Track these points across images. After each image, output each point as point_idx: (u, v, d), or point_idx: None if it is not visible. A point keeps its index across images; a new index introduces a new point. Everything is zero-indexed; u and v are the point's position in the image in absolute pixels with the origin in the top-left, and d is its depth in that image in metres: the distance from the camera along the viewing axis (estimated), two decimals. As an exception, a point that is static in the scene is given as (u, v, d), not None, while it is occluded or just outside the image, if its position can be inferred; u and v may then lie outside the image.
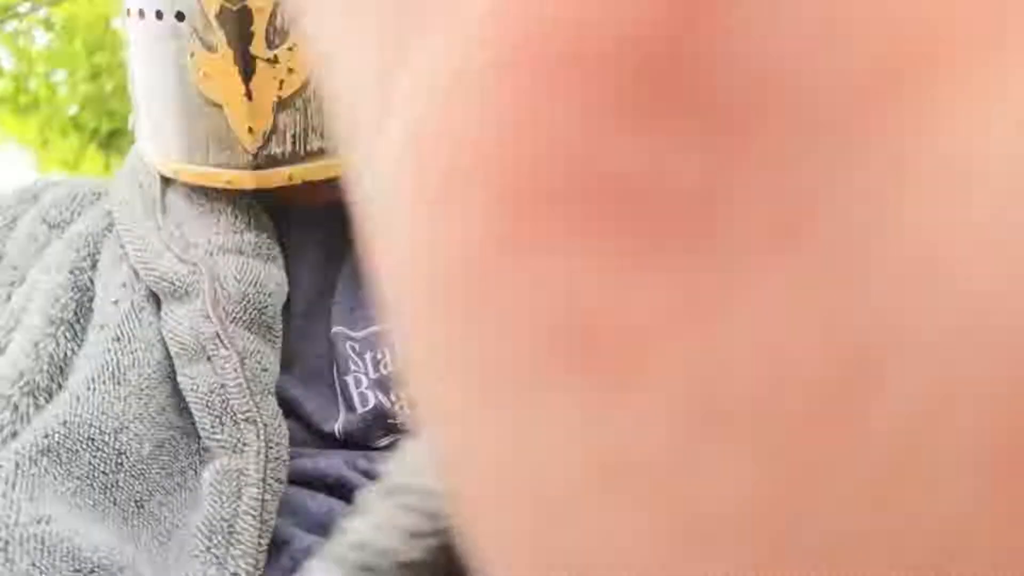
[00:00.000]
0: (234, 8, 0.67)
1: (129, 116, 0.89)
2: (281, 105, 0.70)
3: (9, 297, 0.73)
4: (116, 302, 0.69)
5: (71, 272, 0.71)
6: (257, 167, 0.71)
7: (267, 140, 0.70)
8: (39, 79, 5.14)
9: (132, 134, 0.88)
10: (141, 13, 0.72)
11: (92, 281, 0.72)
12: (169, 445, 0.64)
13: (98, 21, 5.44)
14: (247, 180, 0.71)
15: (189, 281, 0.67)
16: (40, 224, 0.77)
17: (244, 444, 0.62)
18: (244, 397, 0.63)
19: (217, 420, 0.63)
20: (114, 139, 5.46)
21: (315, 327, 0.74)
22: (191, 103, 0.71)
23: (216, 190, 0.75)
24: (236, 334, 0.66)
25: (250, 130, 0.70)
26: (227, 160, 0.71)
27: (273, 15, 0.68)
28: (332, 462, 0.68)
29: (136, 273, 0.71)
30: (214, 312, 0.65)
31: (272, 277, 0.71)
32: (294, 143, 0.71)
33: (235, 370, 0.64)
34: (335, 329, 0.73)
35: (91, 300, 0.71)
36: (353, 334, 0.73)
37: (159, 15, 0.70)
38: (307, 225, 0.80)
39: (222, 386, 0.64)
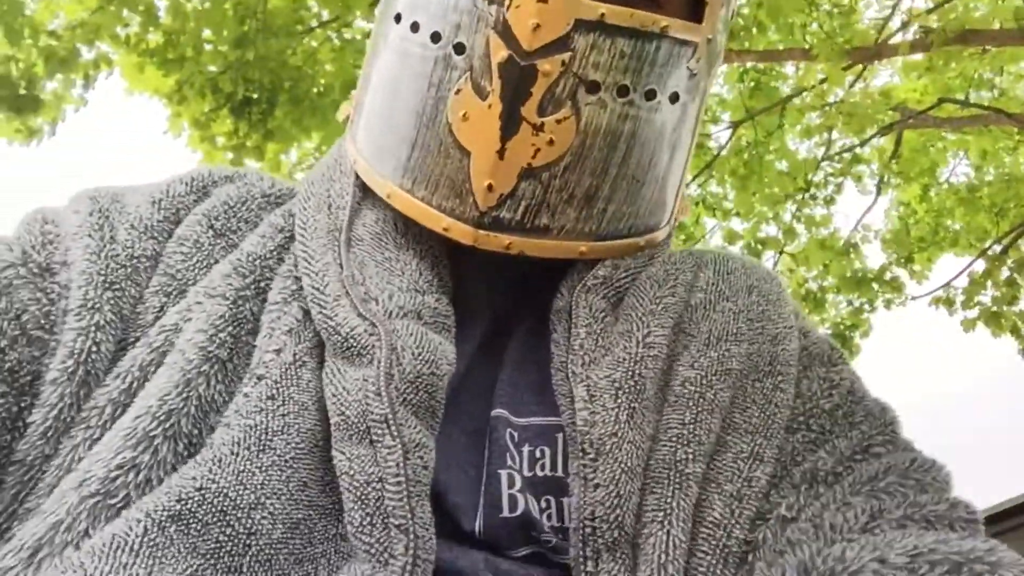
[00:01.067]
0: (522, 63, 0.64)
1: (342, 105, 0.82)
2: (528, 173, 0.66)
3: (162, 309, 0.68)
4: (279, 351, 0.64)
5: (234, 303, 0.66)
6: (479, 225, 0.67)
7: (501, 202, 0.67)
8: (190, 37, 5.20)
9: (340, 124, 0.82)
10: (415, 27, 0.68)
11: (254, 314, 0.67)
12: (304, 526, 0.60)
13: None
14: (466, 235, 0.68)
15: (365, 343, 0.63)
16: (207, 231, 0.72)
17: (392, 556, 0.57)
18: (402, 500, 0.58)
19: (368, 518, 0.58)
20: (246, 107, 5.52)
21: (470, 403, 0.69)
22: (438, 139, 0.68)
23: (405, 237, 0.71)
24: (404, 420, 0.61)
25: (490, 188, 0.66)
26: (452, 207, 0.68)
27: (555, 83, 0.64)
28: (472, 560, 0.63)
29: (307, 313, 0.67)
30: (387, 390, 0.61)
31: (445, 354, 0.66)
32: (524, 214, 0.68)
33: (397, 465, 0.59)
34: (496, 411, 0.68)
35: (251, 334, 0.66)
36: (515, 420, 0.68)
37: (435, 37, 0.67)
38: (485, 289, 0.75)
39: (380, 480, 0.59)
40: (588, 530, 0.61)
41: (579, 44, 0.64)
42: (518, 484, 0.65)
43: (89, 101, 5.03)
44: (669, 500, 0.63)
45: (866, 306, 7.91)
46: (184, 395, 0.61)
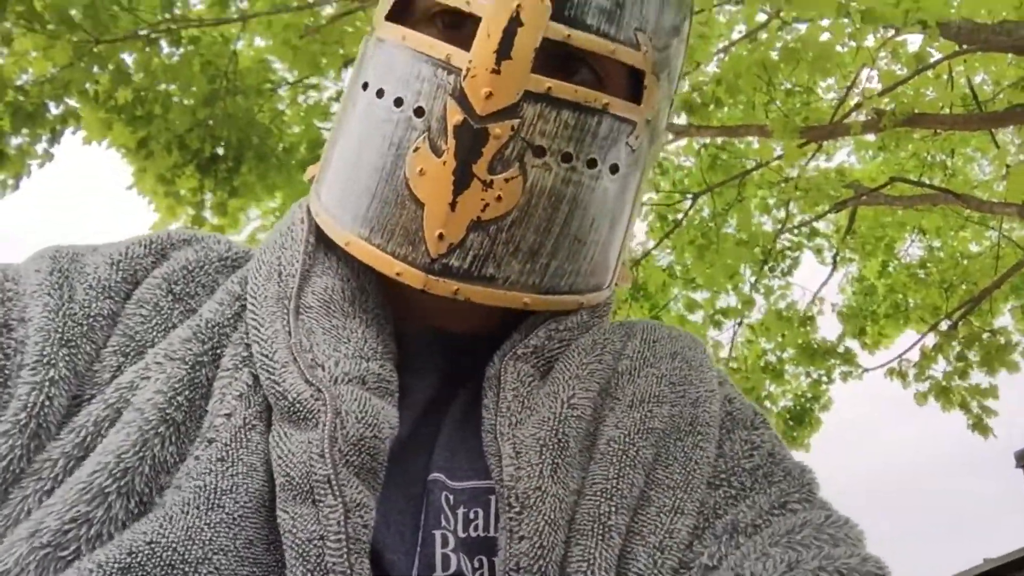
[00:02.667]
0: (475, 126, 0.69)
1: (309, 167, 0.87)
2: (477, 225, 0.71)
3: (119, 368, 0.70)
4: (229, 416, 0.67)
5: (192, 367, 0.69)
6: (430, 271, 0.71)
7: (450, 251, 0.71)
8: (159, 93, 5.24)
9: (305, 183, 0.86)
10: (380, 93, 0.74)
11: (208, 380, 0.69)
12: None
13: (221, 48, 5.58)
14: (417, 279, 0.71)
15: (311, 407, 0.65)
16: (166, 295, 0.75)
17: None
18: (341, 557, 0.60)
19: (308, 574, 0.60)
20: (212, 163, 5.55)
21: (411, 466, 0.71)
22: (396, 191, 0.72)
23: (353, 306, 0.74)
24: (346, 480, 0.63)
25: (440, 236, 0.71)
26: (405, 254, 0.72)
27: (505, 145, 0.69)
28: None
29: (256, 378, 0.69)
30: (330, 452, 0.63)
31: (388, 418, 0.68)
32: (472, 263, 0.72)
33: (338, 523, 0.61)
34: (433, 475, 0.71)
35: (203, 398, 0.68)
36: (451, 483, 0.70)
37: (398, 102, 0.72)
38: (428, 355, 0.78)
39: (322, 538, 0.60)
40: None
41: (527, 112, 0.69)
42: (451, 544, 0.67)
43: (54, 156, 5.03)
44: (592, 551, 0.65)
45: (823, 378, 8.01)
46: (140, 454, 0.63)
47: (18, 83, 4.94)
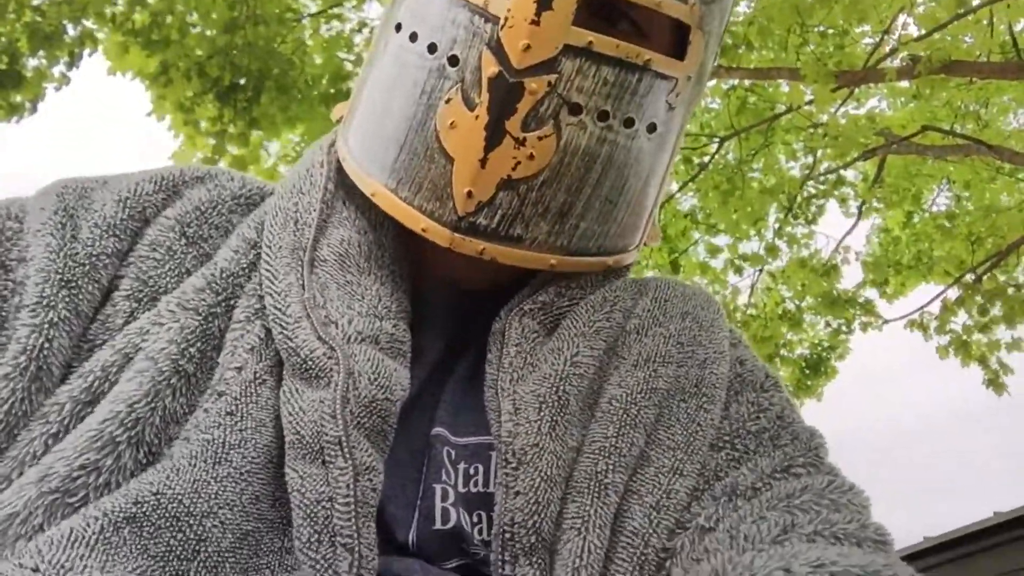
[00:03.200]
0: (511, 80, 0.66)
1: (336, 106, 0.84)
2: (507, 184, 0.69)
3: (132, 314, 0.69)
4: (240, 369, 0.66)
5: (205, 319, 0.68)
6: (456, 229, 0.70)
7: (479, 209, 0.69)
8: (176, 18, 5.17)
9: (331, 120, 0.83)
10: (413, 36, 0.71)
11: (221, 331, 0.69)
12: (253, 538, 0.61)
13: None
14: (443, 237, 0.70)
15: (323, 365, 0.65)
16: (180, 238, 0.73)
17: (336, 573, 0.59)
18: (349, 520, 0.60)
19: (315, 536, 0.60)
20: (232, 93, 5.49)
21: (415, 422, 0.71)
22: (425, 144, 0.70)
23: (368, 261, 0.73)
24: (357, 442, 0.63)
25: (469, 194, 0.69)
26: (432, 210, 0.70)
27: (540, 101, 0.67)
28: (407, 567, 0.65)
29: (269, 332, 0.68)
30: (342, 413, 0.63)
31: (400, 380, 0.68)
32: (500, 222, 0.70)
33: (347, 486, 0.61)
34: (436, 430, 0.71)
35: (215, 350, 0.68)
36: (453, 439, 0.70)
37: (432, 48, 0.69)
38: (442, 314, 0.77)
39: (330, 500, 0.61)
40: (507, 535, 0.64)
41: (566, 67, 0.66)
42: (451, 498, 0.67)
43: (72, 80, 4.99)
44: (587, 508, 0.65)
45: (843, 328, 7.96)
46: (151, 405, 0.62)
47: (35, 3, 4.88)
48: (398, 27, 0.72)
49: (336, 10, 6.02)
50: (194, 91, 5.35)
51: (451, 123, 0.68)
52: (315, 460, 0.62)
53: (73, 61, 4.96)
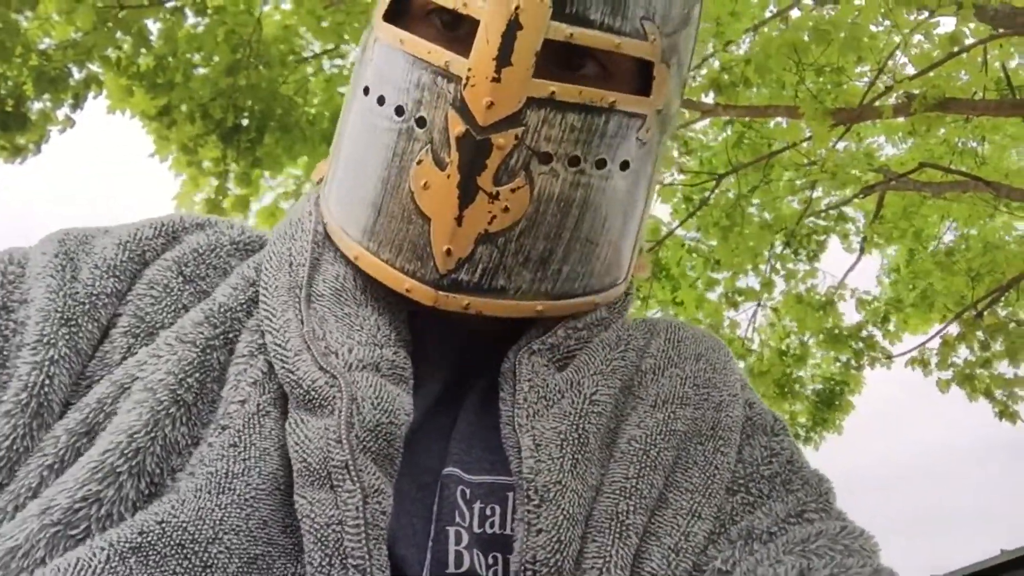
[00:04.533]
0: (478, 137, 0.67)
1: (317, 165, 0.85)
2: (485, 238, 0.69)
3: (130, 349, 0.69)
4: (243, 402, 0.66)
5: (203, 351, 0.68)
6: (439, 287, 0.70)
7: (459, 266, 0.70)
8: (180, 62, 5.23)
9: (307, 185, 0.85)
10: (380, 100, 0.72)
11: (221, 364, 0.69)
12: (262, 562, 0.61)
13: (245, 17, 5.56)
14: (427, 296, 0.71)
15: (326, 394, 0.65)
16: (176, 276, 0.74)
17: None
18: (360, 542, 0.60)
19: (327, 559, 0.60)
20: (235, 133, 5.54)
21: (422, 455, 0.70)
22: (401, 206, 0.71)
23: (365, 294, 0.74)
24: (363, 466, 0.63)
25: (448, 252, 0.69)
26: (414, 270, 0.71)
27: (509, 155, 0.67)
28: None
29: (271, 366, 0.68)
30: (347, 438, 0.63)
31: (403, 404, 0.67)
32: (482, 276, 0.70)
33: (356, 508, 0.61)
34: (448, 469, 0.69)
35: (215, 382, 0.68)
36: (467, 477, 0.69)
37: (399, 111, 0.70)
38: (441, 345, 0.77)
39: (340, 523, 0.60)
40: (529, 573, 0.63)
41: (531, 119, 0.67)
42: (465, 540, 0.66)
43: (76, 122, 5.04)
44: (608, 549, 0.65)
45: (851, 362, 7.94)
46: (151, 434, 0.62)
47: (41, 47, 4.94)
48: (366, 90, 0.73)
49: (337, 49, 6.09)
50: (197, 132, 5.40)
51: (424, 184, 0.69)
52: (323, 485, 0.62)
53: (78, 103, 5.02)
